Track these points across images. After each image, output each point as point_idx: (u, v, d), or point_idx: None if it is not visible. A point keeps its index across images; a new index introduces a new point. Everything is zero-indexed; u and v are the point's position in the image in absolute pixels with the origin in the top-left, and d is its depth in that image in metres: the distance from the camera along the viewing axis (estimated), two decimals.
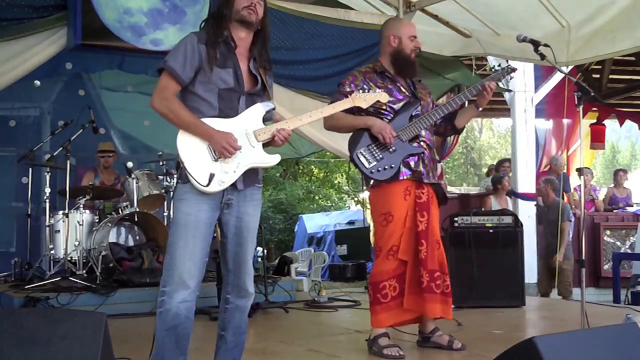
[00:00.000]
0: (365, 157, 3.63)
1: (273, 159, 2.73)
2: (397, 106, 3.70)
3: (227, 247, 2.73)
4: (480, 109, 3.83)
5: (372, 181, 3.68)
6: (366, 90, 3.48)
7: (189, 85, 2.67)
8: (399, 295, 3.67)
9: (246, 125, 2.68)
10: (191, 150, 2.60)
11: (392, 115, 3.69)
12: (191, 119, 2.61)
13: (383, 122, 3.62)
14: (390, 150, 3.63)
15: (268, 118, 2.77)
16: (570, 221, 7.27)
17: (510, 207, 7.64)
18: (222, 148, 2.58)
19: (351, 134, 3.75)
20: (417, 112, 3.73)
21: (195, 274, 2.60)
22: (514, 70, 3.92)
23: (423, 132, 3.73)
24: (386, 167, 3.61)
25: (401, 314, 3.72)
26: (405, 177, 3.66)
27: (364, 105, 2.91)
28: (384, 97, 2.98)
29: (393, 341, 3.72)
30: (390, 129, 3.59)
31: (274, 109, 2.77)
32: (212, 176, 2.59)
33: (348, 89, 3.64)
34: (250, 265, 2.75)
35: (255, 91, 2.75)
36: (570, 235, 7.92)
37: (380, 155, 3.62)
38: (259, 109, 2.72)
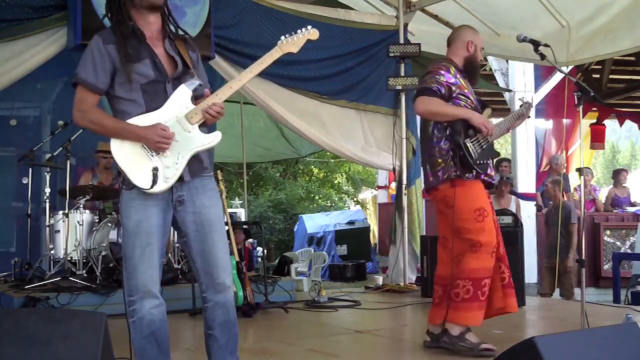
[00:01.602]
0: (472, 147, 3.64)
1: (214, 138, 2.56)
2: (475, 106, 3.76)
3: (191, 246, 2.59)
4: None
5: (446, 175, 3.65)
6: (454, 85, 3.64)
7: (110, 90, 2.53)
8: (490, 291, 3.68)
9: (175, 111, 2.52)
10: (127, 155, 2.47)
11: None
12: (115, 125, 2.48)
13: (483, 116, 3.68)
14: (483, 146, 3.68)
15: (200, 95, 2.58)
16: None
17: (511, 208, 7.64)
18: (156, 143, 2.45)
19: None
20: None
21: (157, 279, 2.53)
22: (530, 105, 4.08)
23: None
24: (483, 161, 3.67)
25: (486, 311, 3.71)
26: (482, 177, 3.71)
27: (294, 50, 2.68)
28: (313, 34, 2.72)
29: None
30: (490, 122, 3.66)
31: (200, 84, 2.58)
32: (155, 175, 2.45)
33: (443, 79, 3.65)
34: (223, 257, 2.59)
35: (179, 74, 2.58)
36: None
37: (478, 150, 3.66)
38: (183, 91, 2.54)
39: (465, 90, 3.72)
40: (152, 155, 2.48)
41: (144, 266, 2.49)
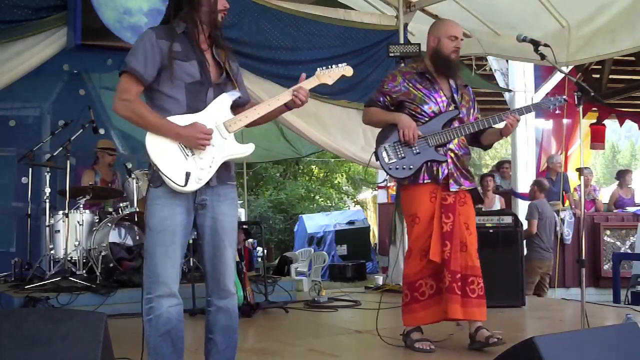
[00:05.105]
0: (387, 152, 3.67)
1: (247, 149, 2.65)
2: (432, 109, 3.73)
3: (204, 249, 2.64)
4: (504, 136, 3.86)
5: (404, 180, 3.71)
6: (403, 90, 3.72)
7: (154, 84, 2.56)
8: (436, 293, 3.68)
9: (215, 117, 2.59)
10: (162, 151, 2.52)
11: (426, 119, 3.72)
12: (157, 120, 2.51)
13: (410, 121, 3.66)
14: (414, 151, 3.67)
15: (237, 105, 2.69)
16: (535, 220, 7.21)
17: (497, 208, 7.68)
18: (197, 140, 2.49)
19: (380, 129, 3.83)
20: (451, 121, 3.76)
21: (177, 279, 2.56)
22: (565, 100, 3.91)
23: (455, 141, 3.75)
24: (404, 166, 3.65)
25: (438, 312, 3.71)
26: (425, 182, 3.68)
27: (329, 82, 2.82)
28: (348, 71, 2.84)
29: (426, 336, 3.80)
30: (415, 129, 3.64)
31: (240, 97, 2.68)
32: (188, 175, 2.50)
33: (386, 88, 3.77)
34: (230, 266, 2.65)
35: (222, 81, 2.65)
36: (570, 235, 7.91)
37: (403, 154, 3.67)
38: (225, 99, 2.62)
39: (412, 95, 3.74)
40: (187, 155, 2.53)
41: (167, 264, 2.52)
